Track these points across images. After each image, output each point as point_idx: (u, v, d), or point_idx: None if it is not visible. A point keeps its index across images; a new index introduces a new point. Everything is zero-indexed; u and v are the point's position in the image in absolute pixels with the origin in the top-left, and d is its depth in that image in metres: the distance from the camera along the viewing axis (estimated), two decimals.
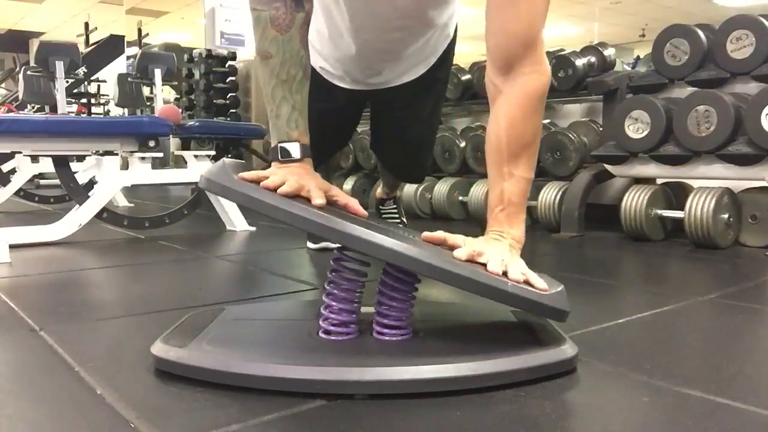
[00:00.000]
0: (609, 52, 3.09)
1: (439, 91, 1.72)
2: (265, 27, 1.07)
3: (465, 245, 0.96)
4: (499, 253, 0.96)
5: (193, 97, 5.25)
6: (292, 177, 0.98)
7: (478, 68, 3.32)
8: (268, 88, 1.09)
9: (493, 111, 1.08)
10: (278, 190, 0.94)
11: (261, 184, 0.95)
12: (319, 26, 1.45)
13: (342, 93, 1.61)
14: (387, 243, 0.86)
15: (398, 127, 1.74)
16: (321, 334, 0.98)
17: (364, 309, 1.00)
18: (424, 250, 0.89)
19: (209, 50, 5.18)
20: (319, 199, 0.95)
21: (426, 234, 0.99)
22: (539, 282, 0.93)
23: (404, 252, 0.86)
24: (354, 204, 1.02)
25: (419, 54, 1.51)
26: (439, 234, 0.99)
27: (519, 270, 0.93)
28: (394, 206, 2.36)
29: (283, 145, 1.07)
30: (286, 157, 1.07)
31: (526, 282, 0.92)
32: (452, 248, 0.96)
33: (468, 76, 3.36)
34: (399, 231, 1.08)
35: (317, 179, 1.03)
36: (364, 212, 1.02)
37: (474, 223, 2.94)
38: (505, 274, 0.92)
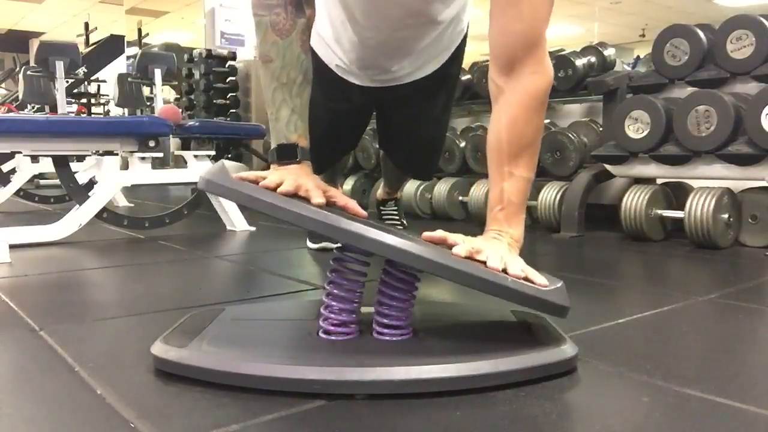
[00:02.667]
0: (609, 52, 3.09)
1: (451, 89, 1.72)
2: (266, 31, 1.09)
3: (464, 243, 0.96)
4: (498, 250, 0.97)
5: (193, 97, 5.25)
6: (290, 177, 0.98)
7: (477, 68, 3.31)
8: (269, 91, 1.10)
9: (495, 111, 1.09)
10: (278, 190, 0.94)
11: (260, 184, 0.95)
12: (334, 25, 1.45)
13: (356, 91, 1.61)
14: (390, 240, 0.86)
15: (410, 125, 1.74)
16: (321, 334, 0.98)
17: (364, 309, 1.00)
18: (426, 247, 0.89)
19: (209, 50, 5.18)
20: (318, 198, 0.95)
21: (426, 234, 1.00)
22: (539, 278, 0.93)
23: (407, 249, 0.86)
24: (353, 205, 1.03)
25: (432, 50, 1.52)
26: (440, 233, 1.00)
27: (518, 266, 0.94)
28: (395, 207, 2.36)
29: (283, 146, 1.08)
30: (284, 158, 1.07)
31: (526, 278, 0.92)
32: (452, 247, 0.96)
33: (468, 76, 3.36)
34: (399, 231, 1.08)
35: (315, 179, 1.03)
36: (364, 213, 1.03)
37: (474, 222, 2.94)
38: (504, 270, 0.92)
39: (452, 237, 0.99)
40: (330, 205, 1.01)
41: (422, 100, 1.65)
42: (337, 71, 1.58)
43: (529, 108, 1.06)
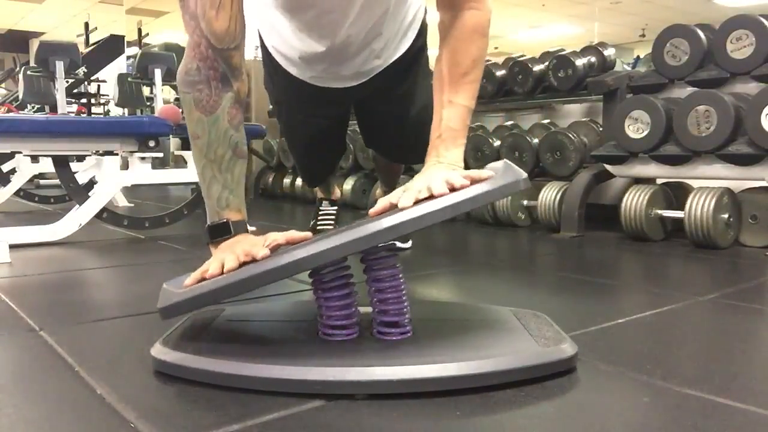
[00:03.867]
0: (609, 52, 3.09)
1: (424, 61, 1.73)
2: (190, 109, 1.07)
3: (405, 192, 0.96)
4: (438, 176, 0.97)
5: None
6: (227, 253, 0.97)
7: None
8: (199, 167, 1.09)
9: (439, 48, 1.17)
10: (224, 270, 0.93)
11: (207, 275, 0.94)
12: (299, 45, 1.45)
13: (336, 96, 1.61)
14: (340, 240, 0.85)
15: (394, 110, 1.73)
16: (321, 335, 0.98)
17: (363, 309, 1.00)
18: (373, 223, 0.88)
19: None
20: (261, 251, 0.94)
21: (372, 210, 0.99)
22: (484, 172, 0.95)
23: (355, 237, 0.85)
24: (295, 234, 1.02)
25: (400, 30, 1.52)
26: (383, 202, 0.99)
27: (461, 176, 0.94)
28: None
29: (214, 225, 1.07)
30: (216, 237, 1.06)
31: (473, 180, 0.93)
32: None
33: None
34: (347, 226, 1.07)
35: (248, 239, 1.03)
36: (308, 234, 1.02)
37: (474, 222, 2.94)
38: (452, 189, 0.92)
39: (393, 196, 0.99)
40: (275, 249, 1.00)
41: (400, 80, 1.65)
42: (314, 82, 1.58)
43: (465, 39, 1.14)
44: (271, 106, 4.61)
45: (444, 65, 1.15)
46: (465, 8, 1.14)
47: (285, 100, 1.70)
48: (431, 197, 0.92)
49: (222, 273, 0.93)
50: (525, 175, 0.93)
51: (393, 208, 0.96)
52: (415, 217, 0.87)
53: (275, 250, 0.98)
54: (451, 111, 1.12)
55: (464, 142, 1.12)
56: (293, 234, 1.02)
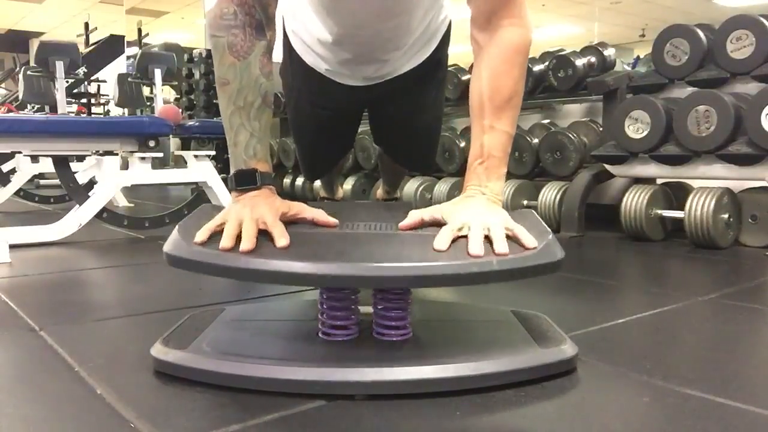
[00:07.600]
0: (609, 52, 3.09)
1: (442, 74, 1.71)
2: (222, 53, 1.06)
3: (442, 218, 0.95)
4: (479, 220, 0.93)
5: (193, 97, 5.25)
6: (246, 211, 0.95)
7: None
8: (226, 115, 1.07)
9: (475, 67, 1.09)
10: (240, 248, 0.89)
11: (220, 245, 0.90)
12: (317, 31, 1.45)
13: (347, 93, 1.60)
14: (363, 272, 0.84)
15: (405, 117, 1.73)
16: (321, 335, 0.98)
17: (363, 309, 1.00)
18: (404, 259, 0.86)
19: (209, 50, 5.18)
20: (282, 240, 0.90)
21: (403, 224, 0.97)
22: (528, 239, 0.90)
23: (382, 274, 0.84)
24: (321, 216, 1.00)
25: (421, 38, 1.51)
26: (414, 217, 0.97)
27: (503, 233, 0.90)
28: None
29: (240, 172, 1.04)
30: (242, 185, 1.03)
31: (513, 236, 0.90)
32: (432, 224, 0.95)
33: (468, 76, 3.36)
34: (379, 227, 1.06)
35: (273, 205, 1.00)
36: (334, 221, 1.00)
37: None
38: (489, 240, 0.89)
39: (426, 214, 0.97)
40: (297, 222, 0.98)
41: (415, 89, 1.63)
42: (328, 75, 1.57)
43: (508, 60, 1.06)
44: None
45: (485, 89, 1.06)
46: (504, 26, 1.05)
47: (296, 88, 1.70)
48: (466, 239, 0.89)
49: (237, 236, 0.91)
50: (562, 255, 0.89)
51: (423, 225, 0.96)
52: (445, 275, 0.84)
53: (294, 219, 0.97)
54: (493, 137, 1.04)
55: (505, 171, 1.07)
56: (321, 215, 1.00)
